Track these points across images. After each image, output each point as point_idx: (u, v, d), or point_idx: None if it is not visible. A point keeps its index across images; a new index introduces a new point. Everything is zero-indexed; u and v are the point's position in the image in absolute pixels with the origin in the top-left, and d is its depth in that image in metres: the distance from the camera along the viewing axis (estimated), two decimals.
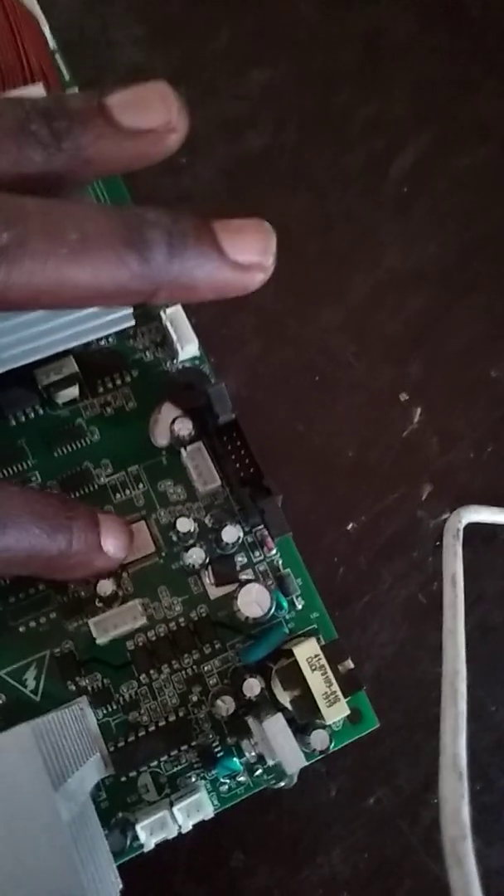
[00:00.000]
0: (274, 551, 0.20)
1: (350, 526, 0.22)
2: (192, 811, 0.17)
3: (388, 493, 0.23)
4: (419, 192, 0.26)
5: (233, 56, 0.27)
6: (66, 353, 0.19)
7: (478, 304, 0.25)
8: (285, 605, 0.19)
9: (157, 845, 0.18)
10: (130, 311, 0.19)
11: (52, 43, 0.23)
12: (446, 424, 0.24)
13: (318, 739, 0.17)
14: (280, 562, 0.20)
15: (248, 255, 0.15)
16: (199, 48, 0.27)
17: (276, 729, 0.16)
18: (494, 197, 0.26)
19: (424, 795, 0.20)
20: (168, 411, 0.20)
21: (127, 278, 0.14)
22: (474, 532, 0.22)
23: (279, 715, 0.16)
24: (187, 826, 0.17)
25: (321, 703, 0.16)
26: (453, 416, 0.24)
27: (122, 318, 0.19)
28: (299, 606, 0.20)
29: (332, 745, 0.18)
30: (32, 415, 0.20)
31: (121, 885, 0.15)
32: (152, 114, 0.15)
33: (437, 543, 0.22)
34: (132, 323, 0.19)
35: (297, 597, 0.20)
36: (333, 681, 0.16)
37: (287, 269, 0.24)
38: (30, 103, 0.15)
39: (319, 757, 0.18)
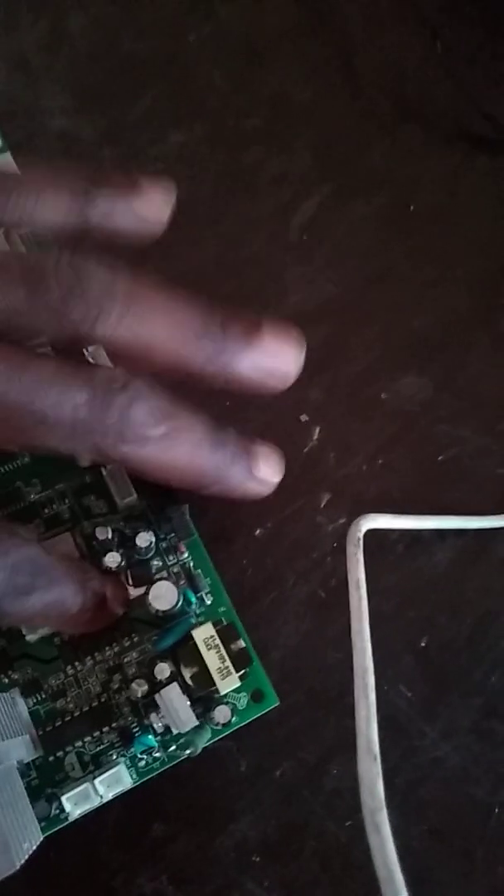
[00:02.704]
0: (185, 554, 0.23)
1: (258, 532, 0.25)
2: (111, 783, 0.20)
3: (292, 502, 0.26)
4: (320, 237, 0.30)
5: (152, 121, 0.30)
6: None
7: (371, 335, 0.28)
8: (194, 600, 0.22)
9: (84, 818, 0.20)
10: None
11: None
12: (342, 441, 0.27)
13: (221, 714, 0.20)
14: (191, 563, 0.23)
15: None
16: (121, 114, 0.30)
17: (171, 695, 0.19)
18: (386, 241, 0.30)
19: (325, 766, 0.23)
20: None
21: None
22: (368, 535, 0.25)
23: (174, 684, 0.19)
24: (107, 796, 0.20)
25: (216, 677, 0.19)
26: (348, 433, 0.27)
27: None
28: (208, 602, 0.22)
29: (235, 719, 0.21)
30: None
31: (41, 838, 0.17)
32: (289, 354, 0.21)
33: (335, 545, 0.25)
34: None
35: (206, 594, 0.22)
36: (226, 657, 0.19)
37: None
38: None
39: (224, 732, 0.21)
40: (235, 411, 0.27)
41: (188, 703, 0.19)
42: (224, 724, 0.20)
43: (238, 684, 0.19)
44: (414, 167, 0.31)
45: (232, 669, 0.19)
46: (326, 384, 0.28)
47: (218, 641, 0.19)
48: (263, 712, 0.22)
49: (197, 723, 0.19)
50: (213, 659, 0.19)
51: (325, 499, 0.26)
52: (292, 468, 0.26)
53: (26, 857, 0.16)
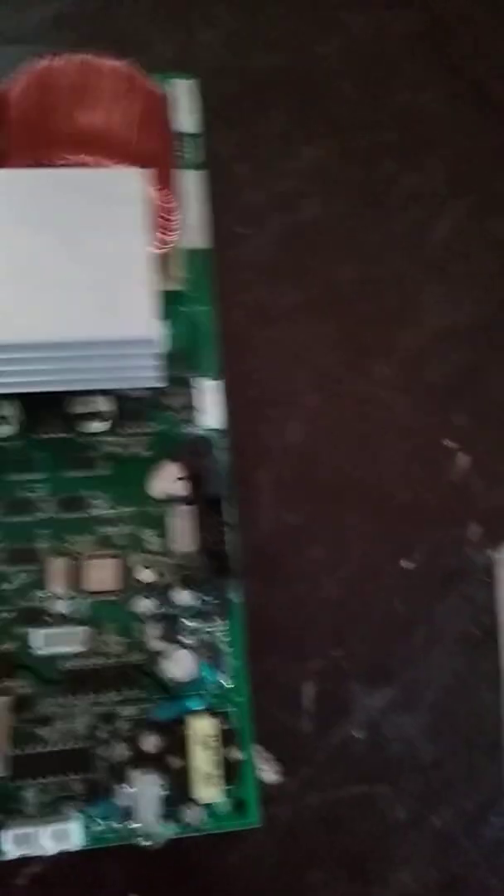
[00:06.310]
0: (222, 626, 0.21)
1: (405, 563, 0.24)
2: (60, 837, 0.18)
3: (439, 533, 0.25)
4: (457, 255, 0.29)
5: (285, 136, 0.30)
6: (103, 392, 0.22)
7: None
8: (212, 680, 0.20)
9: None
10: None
11: None
12: (490, 468, 0.26)
13: (193, 815, 0.18)
14: (225, 639, 0.21)
15: None
16: (254, 130, 0.30)
17: (145, 789, 0.17)
18: None
19: (485, 815, 0.22)
20: (170, 469, 0.22)
21: None
22: None
23: (154, 777, 0.17)
24: (49, 849, 0.18)
25: (199, 781, 0.17)
26: (496, 460, 0.26)
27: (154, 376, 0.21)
28: (227, 686, 0.20)
29: (209, 825, 0.19)
30: (60, 436, 0.22)
31: None
32: None
33: (487, 579, 0.24)
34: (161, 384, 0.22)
35: (227, 677, 0.20)
36: (219, 765, 0.18)
37: (340, 328, 0.27)
38: None
39: (193, 834, 0.19)
40: (375, 436, 0.26)
41: (160, 805, 0.17)
42: (192, 826, 0.18)
43: (220, 799, 0.18)
44: None
45: (220, 780, 0.17)
46: (470, 408, 0.26)
47: (216, 743, 0.18)
48: (238, 829, 0.19)
49: (160, 830, 0.18)
50: (204, 760, 0.17)
51: (473, 530, 0.25)
52: (438, 497, 0.25)
53: None
